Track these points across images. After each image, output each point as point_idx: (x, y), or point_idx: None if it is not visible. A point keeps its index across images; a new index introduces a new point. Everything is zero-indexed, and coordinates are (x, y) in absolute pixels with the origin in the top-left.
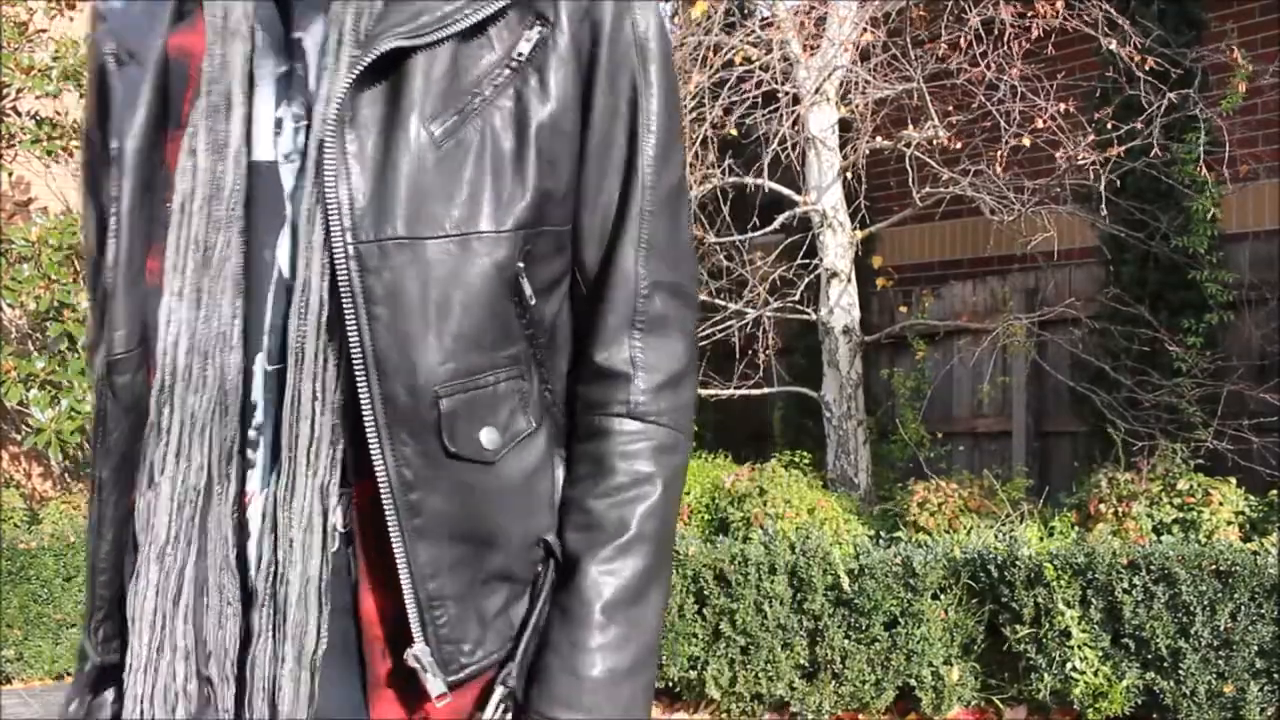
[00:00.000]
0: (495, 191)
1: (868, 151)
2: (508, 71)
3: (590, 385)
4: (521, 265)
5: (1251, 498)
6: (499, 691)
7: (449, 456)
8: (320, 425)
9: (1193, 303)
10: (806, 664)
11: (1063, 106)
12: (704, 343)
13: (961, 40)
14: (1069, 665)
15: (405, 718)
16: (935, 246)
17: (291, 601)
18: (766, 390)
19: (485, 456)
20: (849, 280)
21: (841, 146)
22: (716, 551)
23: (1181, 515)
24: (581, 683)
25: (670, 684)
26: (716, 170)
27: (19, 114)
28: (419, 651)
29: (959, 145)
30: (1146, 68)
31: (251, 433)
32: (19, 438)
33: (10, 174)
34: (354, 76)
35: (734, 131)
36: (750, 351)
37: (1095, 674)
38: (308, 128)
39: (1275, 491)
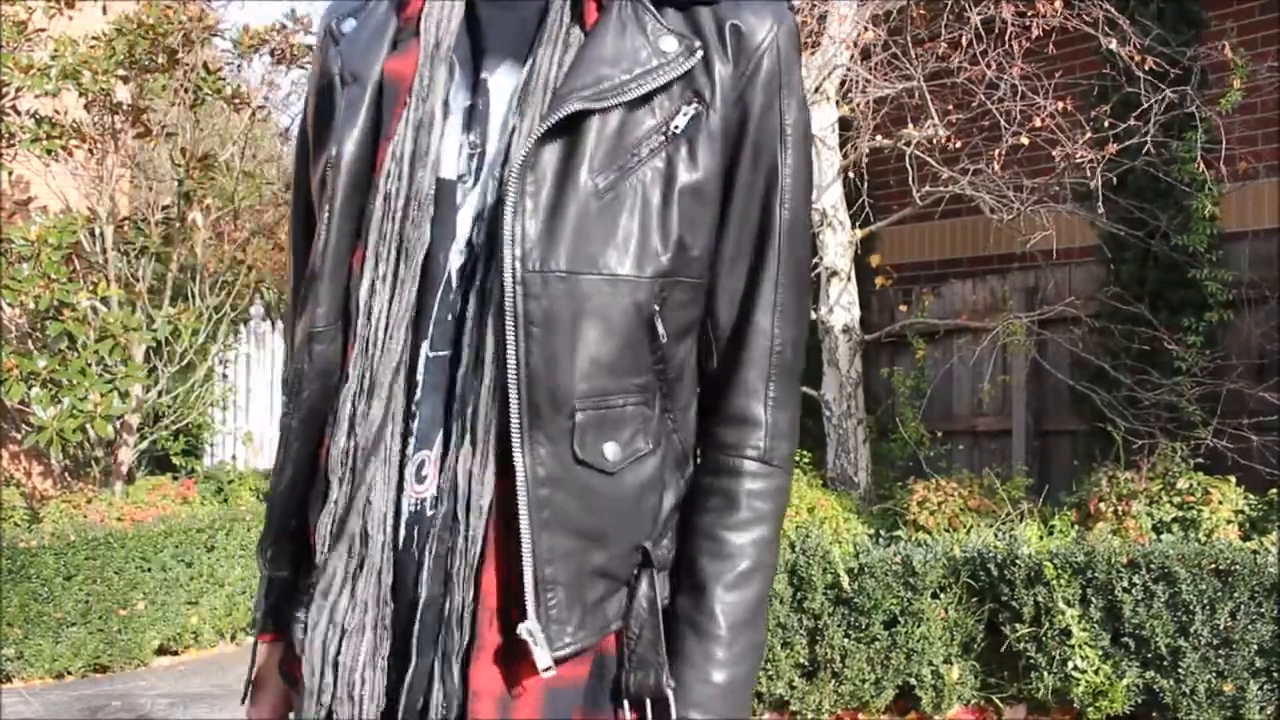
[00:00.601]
0: (641, 241)
1: (868, 150)
2: (662, 138)
3: (727, 428)
4: (657, 308)
5: (1251, 496)
6: (669, 693)
7: (576, 462)
8: (488, 409)
9: (1192, 301)
10: (806, 663)
11: (1062, 105)
12: None
13: (962, 39)
14: (1069, 664)
15: (501, 682)
16: (935, 245)
17: (475, 556)
18: None
19: (607, 467)
20: (849, 279)
21: (841, 145)
22: None
23: (1181, 514)
24: (712, 689)
25: None
26: None
27: (18, 113)
28: (531, 627)
29: (959, 144)
30: (1146, 67)
31: (413, 407)
32: (20, 436)
33: (10, 173)
34: (542, 132)
35: None
36: None
37: (1095, 673)
38: (480, 155)
39: (1275, 490)
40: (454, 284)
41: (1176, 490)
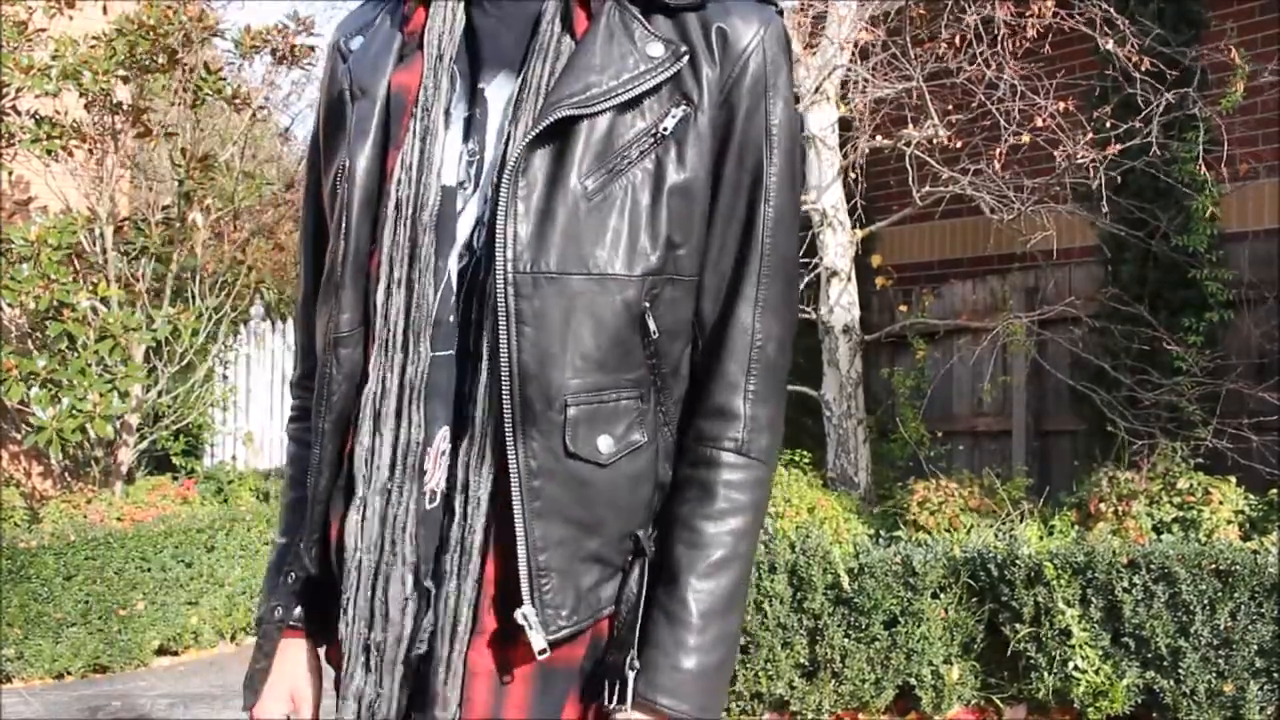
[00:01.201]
0: (630, 241)
1: (867, 150)
2: (652, 140)
3: (707, 420)
4: (647, 305)
5: (1251, 496)
6: (630, 674)
7: (568, 455)
8: (486, 405)
9: (1192, 302)
10: (806, 663)
11: (1062, 105)
12: None
13: (960, 39)
14: (1069, 664)
15: (494, 664)
16: (935, 245)
17: (476, 548)
18: None
19: (600, 459)
20: (849, 279)
21: (841, 145)
22: None
23: (1181, 514)
24: (680, 675)
25: None
26: None
27: (18, 113)
28: (526, 611)
29: (959, 144)
30: (1145, 67)
31: (428, 405)
32: (19, 436)
33: (10, 173)
34: (529, 139)
35: None
36: None
37: (1095, 673)
38: (479, 162)
39: (1275, 490)
40: (454, 287)
41: (1177, 490)
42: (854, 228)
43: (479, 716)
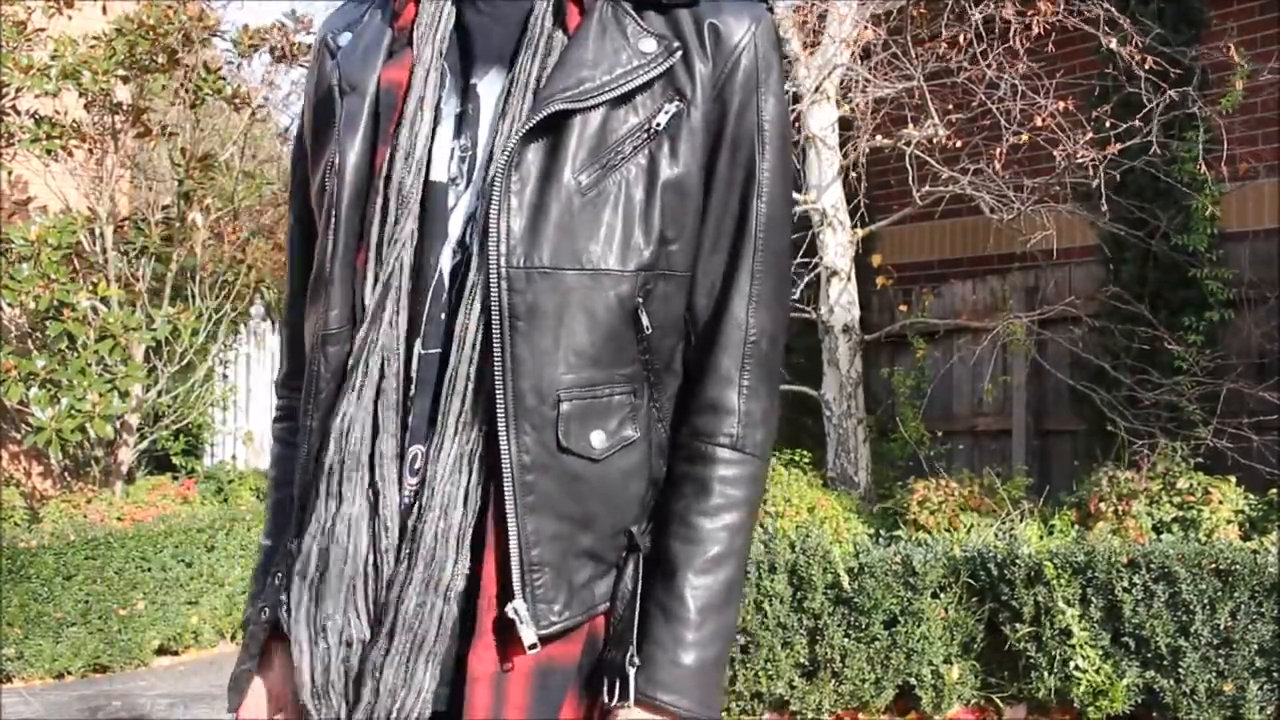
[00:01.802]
0: (624, 236)
1: (868, 150)
2: (645, 135)
3: (700, 416)
4: (640, 300)
5: (1251, 496)
6: (631, 671)
7: (561, 450)
8: (469, 401)
9: (1193, 301)
10: (806, 663)
11: (1062, 105)
12: None
13: (961, 38)
14: (1069, 664)
15: (495, 665)
16: (935, 245)
17: (427, 537)
18: None
19: (592, 454)
20: (849, 279)
21: (842, 145)
22: None
23: (1181, 514)
24: (679, 670)
25: None
26: None
27: (18, 113)
28: (518, 606)
29: (959, 144)
30: (1146, 66)
31: (409, 403)
32: (19, 436)
33: (10, 173)
34: (523, 132)
35: None
36: None
37: (1095, 672)
38: (471, 158)
39: (1275, 490)
40: (445, 284)
41: (1176, 490)
42: (854, 227)
43: (480, 718)
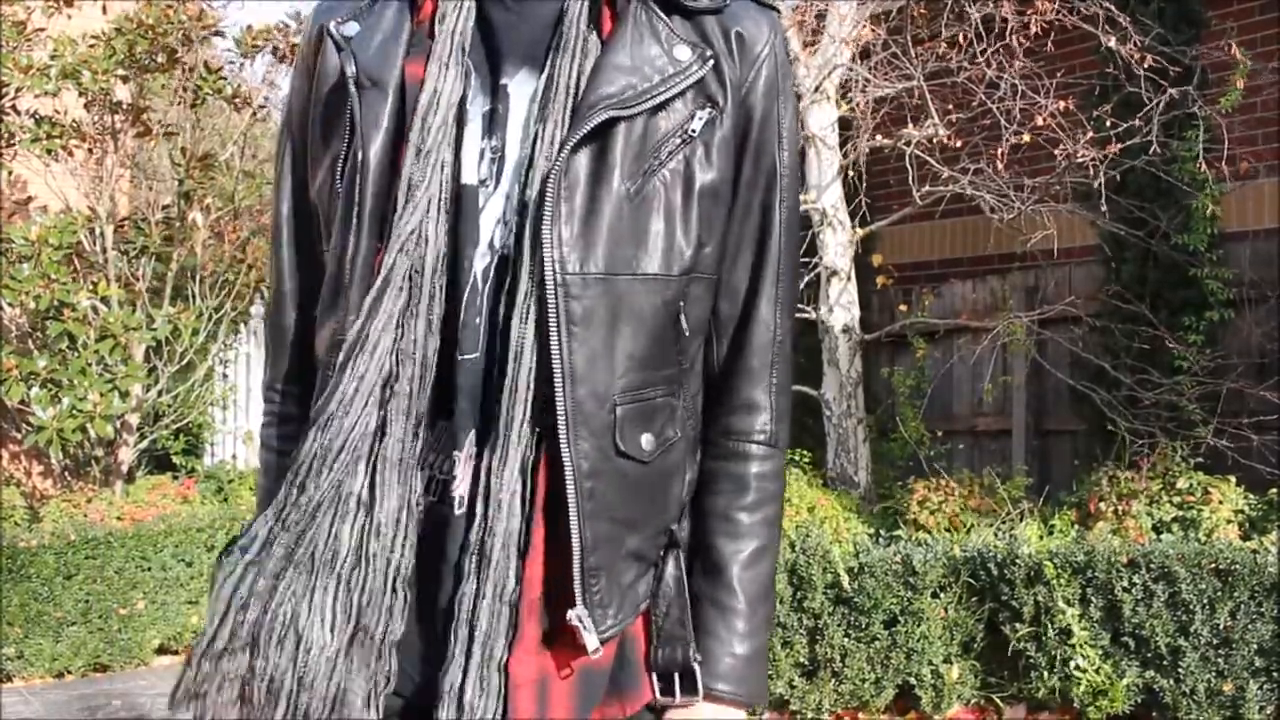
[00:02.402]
0: (669, 241)
1: (868, 150)
2: (680, 141)
3: (735, 415)
4: (682, 304)
5: (1251, 496)
6: (697, 669)
7: (618, 454)
8: (528, 408)
9: (1193, 301)
10: (806, 662)
11: (1062, 104)
12: None
13: (961, 38)
14: (1069, 664)
15: (539, 668)
16: (935, 245)
17: (496, 550)
18: None
19: (643, 456)
20: (849, 279)
21: (841, 145)
22: None
23: (1181, 514)
24: (737, 661)
25: None
26: None
27: (18, 113)
28: (580, 613)
29: (959, 144)
30: (1146, 65)
31: (452, 408)
32: (20, 436)
33: (10, 173)
34: (577, 139)
35: None
36: None
37: (1095, 672)
38: (500, 160)
39: (1275, 490)
40: (479, 287)
41: (1176, 490)
42: (854, 227)
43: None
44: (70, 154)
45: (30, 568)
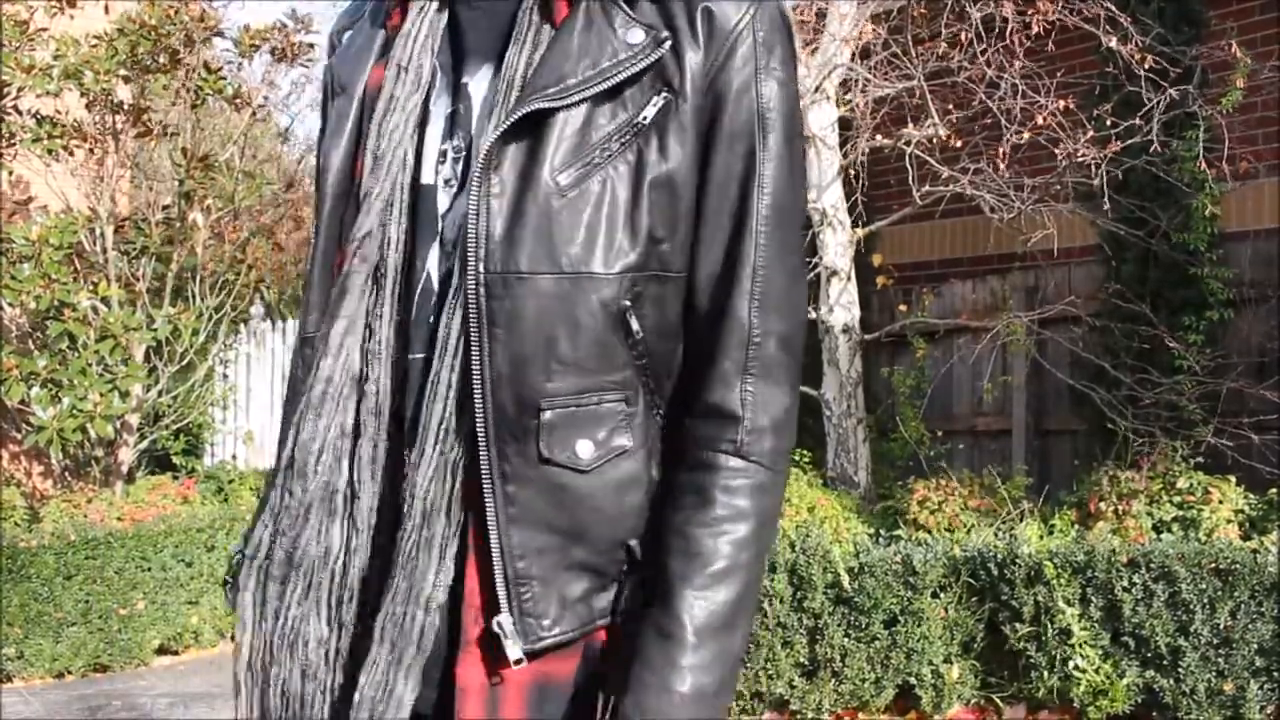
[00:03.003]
0: (608, 238)
1: (868, 150)
2: (631, 132)
3: (701, 421)
4: (628, 304)
5: (1251, 496)
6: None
7: (542, 461)
8: (451, 409)
9: (1193, 300)
10: (806, 662)
11: (1062, 104)
12: None
13: (962, 38)
14: (1069, 663)
15: (485, 677)
16: (935, 245)
17: (408, 546)
18: None
19: (579, 465)
20: (849, 279)
21: (841, 145)
22: None
23: (1181, 513)
24: (671, 697)
25: None
26: None
27: (19, 113)
28: (503, 620)
29: (959, 143)
30: (1146, 65)
31: (406, 410)
32: (20, 436)
33: (10, 173)
34: (498, 134)
35: None
36: None
37: (1095, 672)
38: (466, 158)
39: (1275, 490)
40: (434, 288)
41: (1176, 490)
42: (854, 227)
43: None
44: (71, 154)
45: (30, 568)
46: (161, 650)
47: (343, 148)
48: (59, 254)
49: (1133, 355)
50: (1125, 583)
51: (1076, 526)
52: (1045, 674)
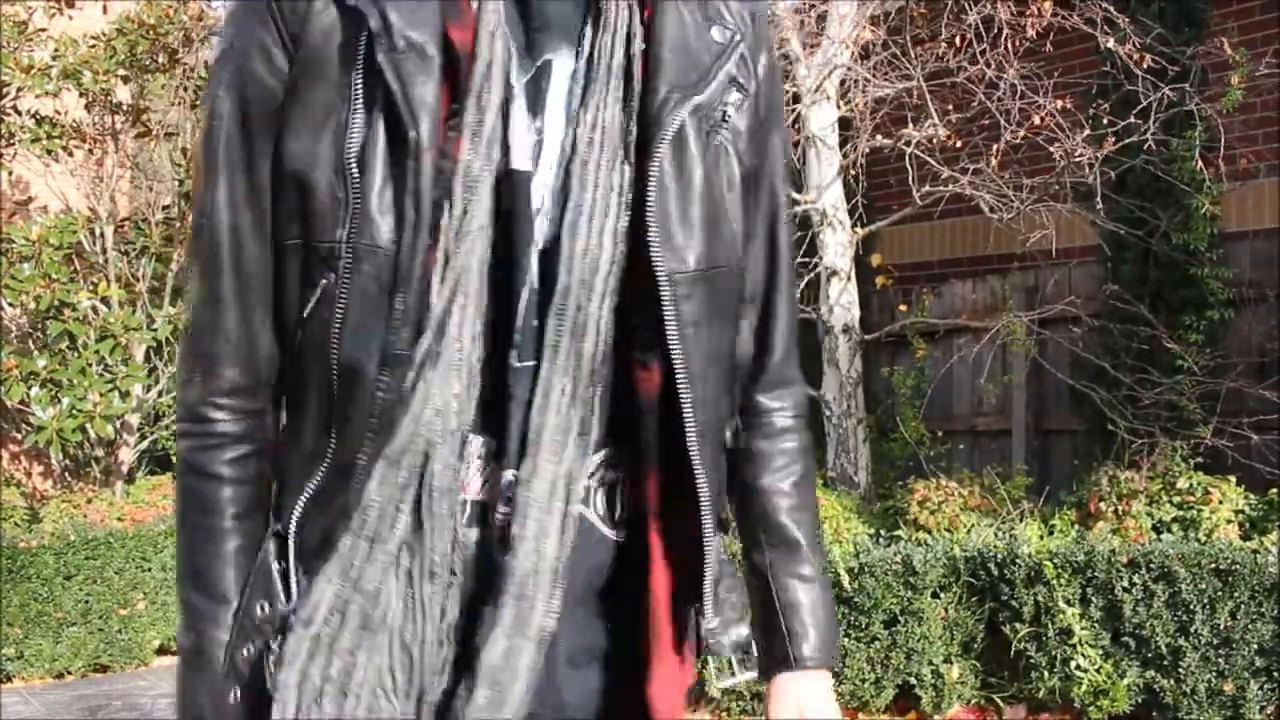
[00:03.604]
0: (731, 232)
1: (867, 150)
2: (725, 129)
3: (774, 394)
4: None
5: (1251, 496)
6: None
7: (722, 450)
8: (567, 417)
9: (1193, 300)
10: None
11: (1061, 104)
12: None
13: (961, 38)
14: (1070, 663)
15: (679, 676)
16: (935, 245)
17: (518, 573)
18: None
19: (728, 446)
20: (849, 279)
21: (841, 145)
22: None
23: (1181, 513)
24: (824, 631)
25: None
26: None
27: (19, 113)
28: (712, 625)
29: (959, 144)
30: (1145, 65)
31: (506, 420)
32: (20, 436)
33: (10, 173)
34: (670, 134)
35: None
36: None
37: (1096, 672)
38: (540, 143)
39: (1275, 490)
40: (535, 286)
41: (1176, 490)
42: (854, 227)
43: None
44: (70, 154)
45: (30, 568)
46: (162, 650)
47: (430, 121)
48: (59, 254)
49: (1132, 355)
50: (1125, 583)
51: (1076, 526)
52: (1046, 674)
